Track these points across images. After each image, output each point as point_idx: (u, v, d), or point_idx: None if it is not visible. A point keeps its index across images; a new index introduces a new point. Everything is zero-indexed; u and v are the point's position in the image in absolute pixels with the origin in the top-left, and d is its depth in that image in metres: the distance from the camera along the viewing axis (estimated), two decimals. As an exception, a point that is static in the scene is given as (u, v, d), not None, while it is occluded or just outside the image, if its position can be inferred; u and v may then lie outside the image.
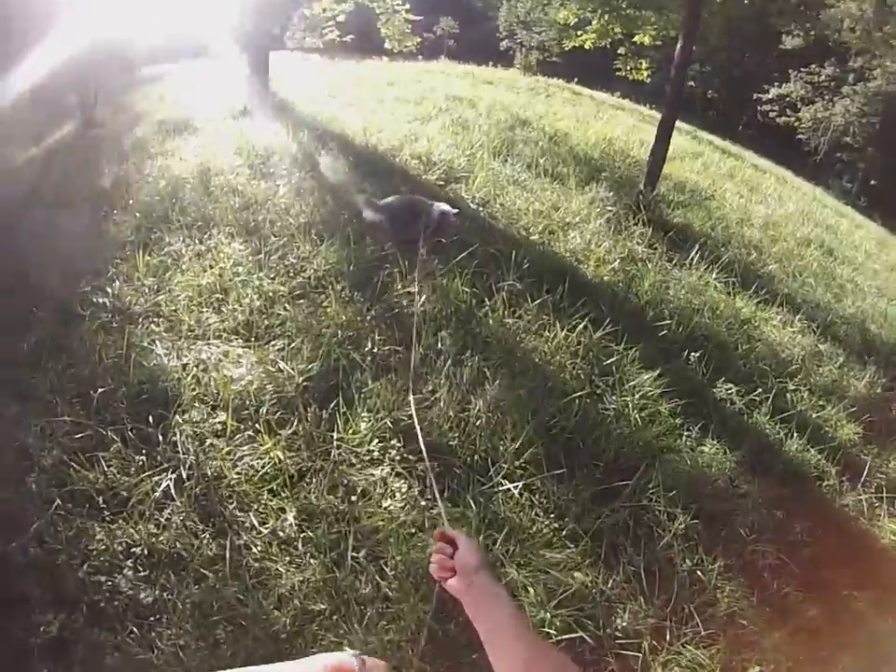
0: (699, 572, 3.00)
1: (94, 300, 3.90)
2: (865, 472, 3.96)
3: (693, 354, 4.39)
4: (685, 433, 3.77)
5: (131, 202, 5.21)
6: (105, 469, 2.80)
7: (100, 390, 3.14)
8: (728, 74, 32.73)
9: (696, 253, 5.86)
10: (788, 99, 29.59)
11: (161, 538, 2.59)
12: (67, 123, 8.01)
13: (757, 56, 32.21)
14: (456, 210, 4.74)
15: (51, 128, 7.89)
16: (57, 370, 3.31)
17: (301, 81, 10.55)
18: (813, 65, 29.26)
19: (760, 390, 4.29)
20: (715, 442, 3.75)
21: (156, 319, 3.85)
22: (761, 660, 2.73)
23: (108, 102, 8.73)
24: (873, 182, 27.16)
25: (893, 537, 3.66)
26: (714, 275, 5.70)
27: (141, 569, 2.50)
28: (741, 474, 3.63)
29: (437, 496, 2.84)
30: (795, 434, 4.08)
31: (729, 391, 4.23)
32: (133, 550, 2.54)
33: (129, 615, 2.36)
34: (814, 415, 4.40)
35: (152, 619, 2.37)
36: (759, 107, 30.72)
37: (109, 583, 2.43)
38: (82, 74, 7.78)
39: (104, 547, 2.53)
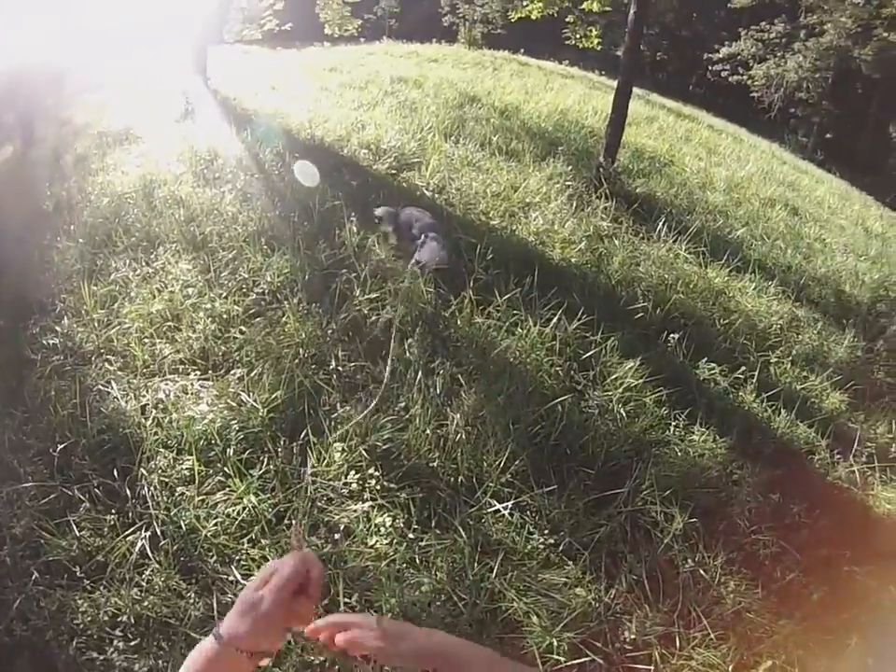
0: (702, 571, 2.88)
1: (44, 341, 3.67)
2: (855, 442, 3.87)
3: (672, 335, 4.22)
4: (672, 423, 3.62)
5: (72, 226, 4.93)
6: (77, 533, 2.63)
7: (59, 446, 2.95)
8: (677, 34, 32.72)
9: (663, 224, 5.75)
10: (739, 57, 29.67)
11: (146, 602, 2.44)
12: (6, 144, 7.70)
13: (705, 15, 32.23)
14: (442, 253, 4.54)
15: None
16: (14, 425, 3.12)
17: (242, 75, 10.17)
18: (763, 23, 29.34)
19: (743, 367, 4.17)
20: (704, 429, 3.60)
21: (109, 357, 3.60)
22: (772, 652, 2.63)
23: (48, 117, 8.41)
24: (828, 135, 27.46)
25: (888, 505, 3.59)
26: (683, 247, 5.56)
27: (131, 638, 2.36)
28: (733, 460, 3.50)
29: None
30: (783, 410, 3.96)
31: (712, 371, 4.10)
32: (119, 619, 2.40)
33: None
34: (799, 387, 4.30)
35: None
36: (710, 67, 30.77)
37: (102, 658, 2.29)
38: (17, 90, 7.50)
39: (90, 619, 2.38)
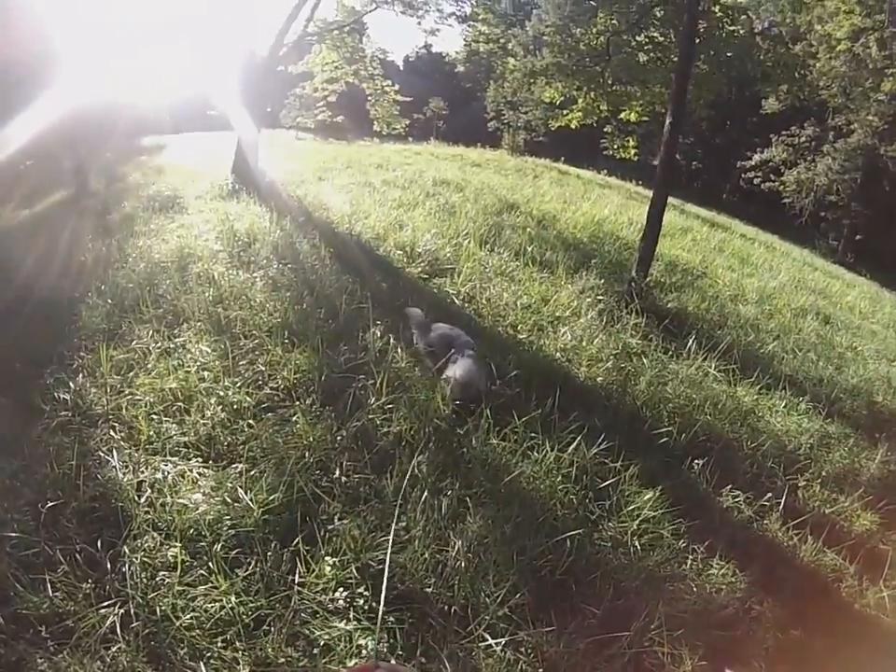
0: None
1: (56, 394, 3.77)
2: (886, 565, 3.65)
3: (696, 462, 4.10)
4: (690, 556, 3.45)
5: (103, 286, 5.10)
6: (51, 593, 2.62)
7: (50, 503, 2.99)
8: (710, 143, 33.35)
9: (693, 341, 5.68)
10: (770, 164, 30.15)
11: None
12: (60, 190, 8.01)
13: (738, 122, 32.90)
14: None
15: (44, 193, 7.89)
16: (10, 471, 3.19)
17: (291, 161, 10.61)
18: (793, 127, 29.88)
19: (769, 494, 4.00)
20: (723, 562, 3.42)
21: (115, 424, 3.67)
22: None
23: (104, 171, 8.84)
24: (858, 237, 27.38)
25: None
26: (713, 364, 5.47)
27: None
28: (752, 595, 3.30)
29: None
30: (809, 537, 3.76)
31: (736, 499, 3.94)
32: None
33: None
34: (828, 511, 4.10)
35: None
36: (742, 175, 31.23)
37: None
38: (81, 137, 7.89)
39: None
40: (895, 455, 4.88)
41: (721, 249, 10.67)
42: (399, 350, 4.67)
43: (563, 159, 17.90)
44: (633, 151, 17.06)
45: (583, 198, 11.88)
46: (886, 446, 4.91)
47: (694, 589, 3.26)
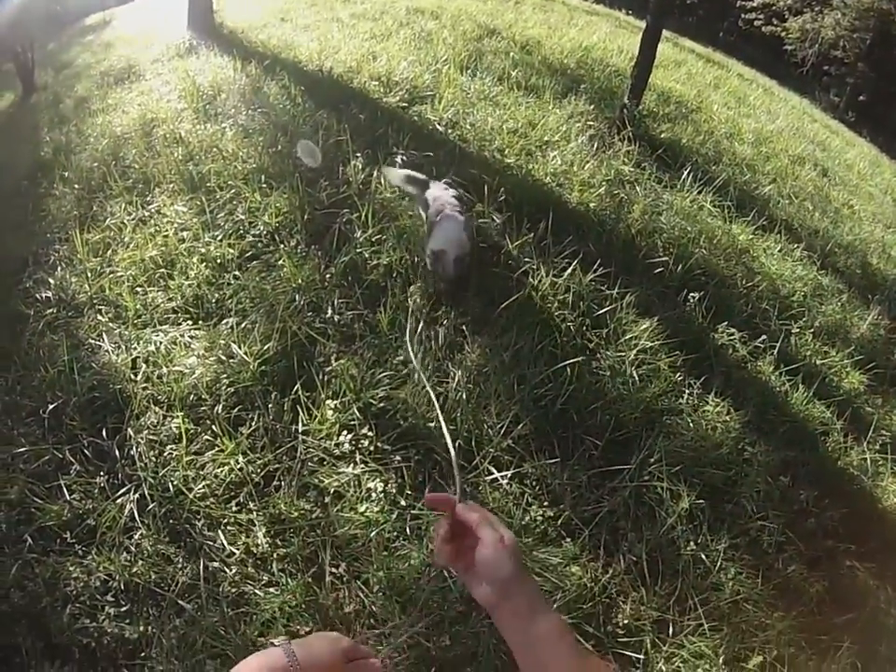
0: (703, 555, 2.71)
1: (38, 295, 3.69)
2: (871, 428, 3.64)
3: (692, 294, 3.94)
4: (687, 391, 3.38)
5: (67, 173, 4.84)
6: (69, 497, 2.64)
7: (50, 406, 2.94)
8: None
9: (688, 173, 5.37)
10: (774, 7, 28.48)
11: (135, 568, 2.43)
12: (6, 92, 7.79)
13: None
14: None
15: None
16: (7, 386, 3.15)
17: (249, 7, 9.66)
18: (801, -26, 28.06)
19: (764, 336, 3.90)
20: (719, 400, 3.37)
21: (101, 307, 3.56)
22: (763, 648, 2.49)
23: (49, 62, 8.42)
24: (862, 98, 26.57)
25: (896, 499, 3.41)
26: (708, 198, 5.22)
27: (122, 604, 2.37)
28: (746, 436, 3.28)
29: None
30: (801, 385, 3.71)
31: (732, 337, 3.83)
32: (110, 585, 2.41)
33: (119, 655, 2.26)
34: (819, 362, 4.05)
35: (142, 655, 2.25)
36: (742, 15, 29.59)
37: (94, 625, 2.30)
38: (15, 36, 7.50)
39: (82, 585, 2.40)
40: (885, 319, 4.81)
41: (717, 86, 10.12)
42: (383, 180, 4.37)
43: (547, -15, 16.58)
44: (624, -24, 15.84)
45: (569, 24, 10.98)
46: (878, 309, 4.84)
47: (691, 425, 3.22)
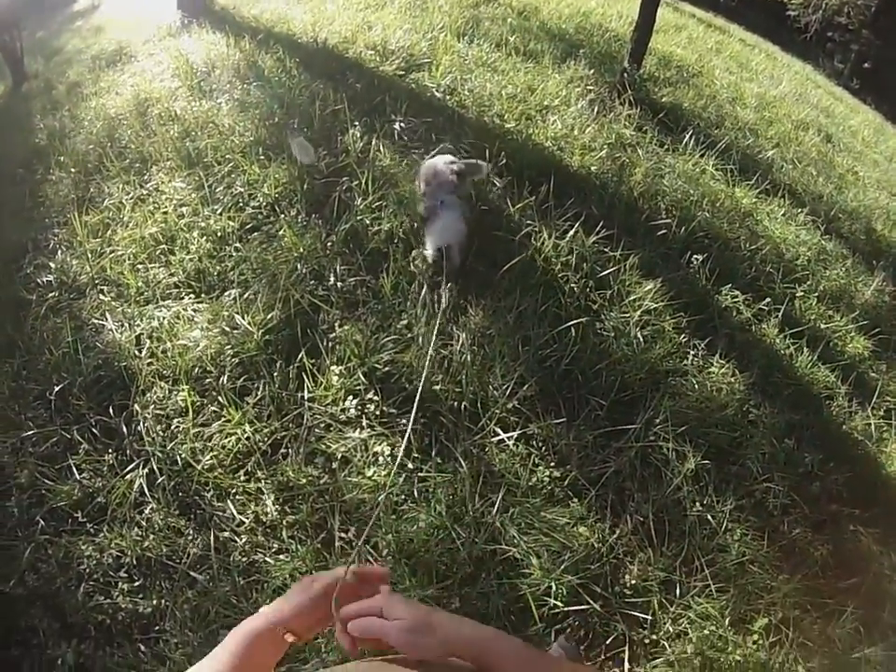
0: (709, 516, 2.71)
1: (39, 280, 3.68)
2: (875, 393, 3.62)
3: (695, 256, 3.91)
4: (691, 352, 3.37)
5: (63, 158, 4.80)
6: (78, 476, 2.68)
7: (56, 387, 2.98)
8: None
9: (690, 137, 5.30)
10: (777, -27, 28.02)
11: (147, 542, 2.48)
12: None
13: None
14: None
15: None
16: (13, 371, 3.17)
17: None
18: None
19: (768, 299, 3.87)
20: (723, 361, 3.36)
21: (103, 287, 3.56)
22: (769, 610, 2.50)
23: (39, 49, 8.32)
24: (866, 65, 26.23)
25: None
26: (710, 162, 5.14)
27: (135, 579, 2.43)
28: (750, 398, 3.27)
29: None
30: (805, 349, 3.69)
31: (735, 299, 3.80)
32: (123, 561, 2.46)
33: (134, 630, 2.32)
34: (823, 326, 4.02)
35: (157, 629, 2.31)
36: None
37: (108, 601, 2.36)
38: (2, 24, 7.30)
39: (95, 563, 2.45)
40: (890, 285, 4.77)
41: (719, 51, 9.96)
42: (382, 148, 4.33)
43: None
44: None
45: (567, -11, 10.86)
46: (882, 276, 4.78)
47: (696, 386, 3.20)
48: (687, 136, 5.31)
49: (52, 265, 3.75)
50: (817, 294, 4.26)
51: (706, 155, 5.18)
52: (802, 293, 4.17)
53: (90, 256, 3.73)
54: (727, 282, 3.89)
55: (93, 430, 2.81)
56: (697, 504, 2.74)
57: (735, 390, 3.25)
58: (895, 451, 3.39)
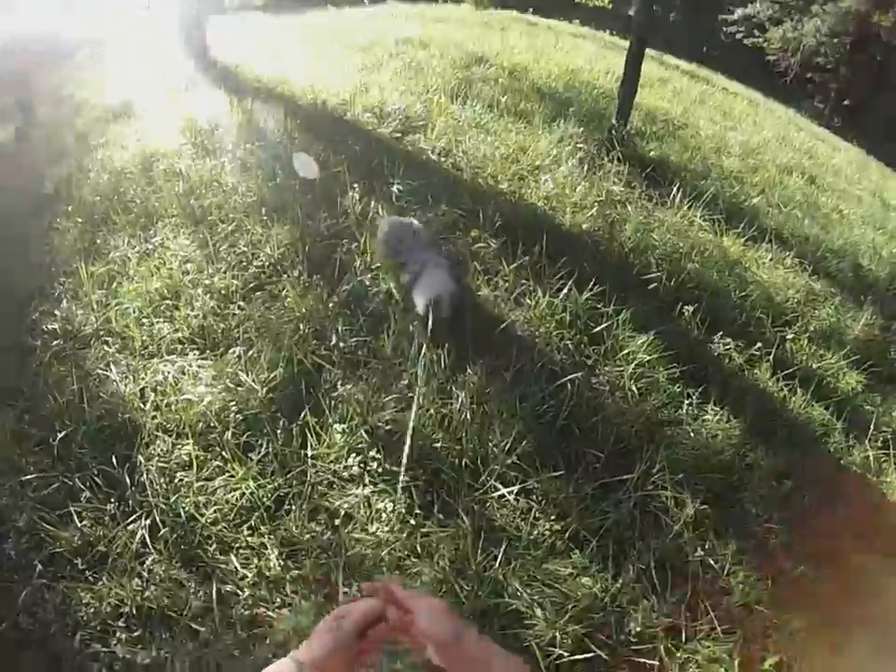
0: (711, 560, 2.76)
1: (44, 327, 3.72)
2: (871, 426, 3.70)
3: (686, 307, 4.04)
4: (686, 401, 3.46)
5: (71, 206, 4.92)
6: (79, 524, 2.66)
7: (60, 434, 2.96)
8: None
9: (677, 189, 5.49)
10: (755, 19, 28.84)
11: (147, 593, 2.46)
12: (8, 127, 7.66)
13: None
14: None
15: None
16: (16, 415, 3.18)
17: (243, 43, 9.86)
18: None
19: (759, 344, 3.97)
20: (717, 409, 3.45)
21: (108, 339, 3.61)
22: (778, 647, 2.52)
23: (48, 96, 8.35)
24: (846, 102, 26.76)
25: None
26: (698, 213, 5.32)
27: (134, 629, 2.39)
28: (746, 442, 3.35)
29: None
30: (799, 389, 3.79)
31: (727, 346, 3.92)
32: (122, 610, 2.43)
33: None
34: (815, 366, 4.12)
35: None
36: (724, 28, 29.96)
37: (106, 650, 2.32)
38: (14, 70, 7.61)
39: (93, 611, 2.42)
40: (879, 319, 4.87)
41: (703, 101, 10.27)
42: (380, 209, 4.51)
43: (531, 10, 16.79)
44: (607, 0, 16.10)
45: (556, 48, 11.19)
46: (870, 309, 4.89)
47: (691, 434, 3.29)
48: (674, 189, 5.50)
49: (58, 313, 3.80)
50: (807, 335, 4.36)
51: (693, 206, 5.36)
52: (792, 335, 4.29)
53: (95, 307, 3.81)
54: (718, 330, 4.01)
55: (95, 479, 2.80)
56: (698, 549, 2.78)
57: (730, 435, 3.33)
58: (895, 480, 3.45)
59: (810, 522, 3.04)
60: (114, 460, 2.86)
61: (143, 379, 3.29)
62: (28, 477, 2.83)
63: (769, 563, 2.82)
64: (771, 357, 3.92)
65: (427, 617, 0.95)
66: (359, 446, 2.94)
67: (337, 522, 2.68)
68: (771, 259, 5.22)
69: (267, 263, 4.03)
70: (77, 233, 4.57)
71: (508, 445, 2.93)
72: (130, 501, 2.73)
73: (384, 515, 2.70)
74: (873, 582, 2.87)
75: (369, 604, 0.99)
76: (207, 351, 3.46)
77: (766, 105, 14.13)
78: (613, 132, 6.28)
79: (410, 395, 3.10)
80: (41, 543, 2.61)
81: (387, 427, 2.98)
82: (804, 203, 6.89)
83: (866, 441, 3.61)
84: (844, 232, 6.52)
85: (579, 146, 6.06)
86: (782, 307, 4.60)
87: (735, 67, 19.17)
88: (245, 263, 4.05)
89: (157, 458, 2.90)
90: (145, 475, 2.81)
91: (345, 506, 2.74)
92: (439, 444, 2.93)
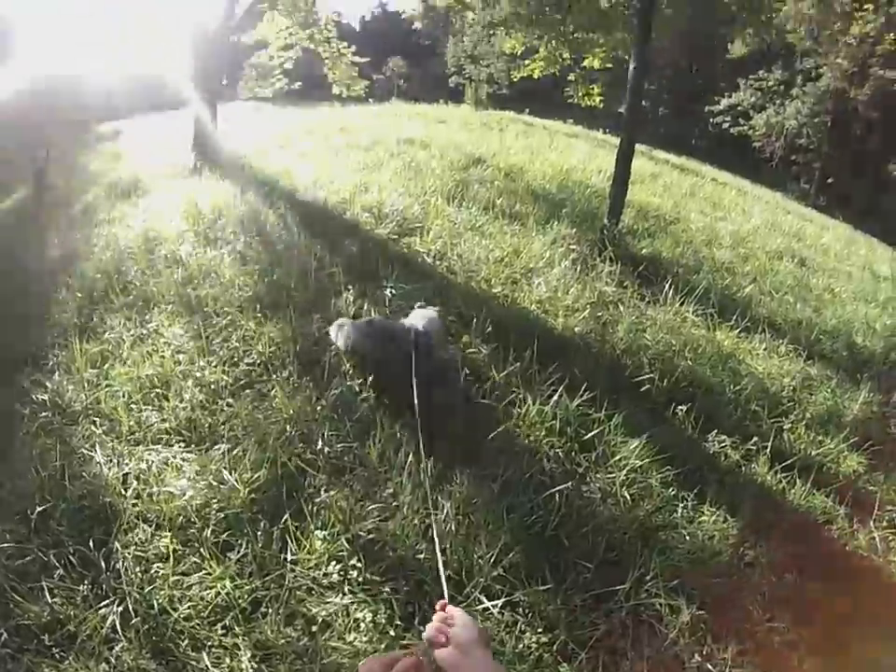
0: (709, 665, 2.66)
1: (34, 396, 3.78)
2: (876, 506, 3.66)
3: (679, 407, 4.06)
4: (680, 504, 3.41)
5: (69, 279, 5.09)
6: (50, 600, 2.61)
7: (39, 508, 2.96)
8: (677, 89, 33.17)
9: (669, 286, 5.60)
10: (739, 108, 30.05)
11: None
12: (21, 186, 8.10)
13: (705, 68, 32.70)
14: (434, 310, 4.22)
15: (4, 191, 8.07)
16: None
17: (252, 133, 10.37)
18: (761, 71, 29.76)
19: (755, 438, 3.97)
20: (714, 509, 3.40)
21: (96, 419, 3.62)
22: None
23: (62, 163, 8.76)
24: (830, 180, 27.44)
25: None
26: (690, 309, 5.41)
27: None
28: (745, 540, 3.28)
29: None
30: (798, 480, 3.75)
31: (723, 444, 3.91)
32: None
33: None
34: (814, 453, 4.08)
35: None
36: (711, 119, 31.12)
37: None
38: (32, 130, 8.03)
39: None
40: (877, 395, 4.86)
41: (693, 194, 10.61)
42: (373, 312, 4.59)
43: (527, 110, 17.59)
44: (598, 99, 16.70)
45: (550, 148, 11.70)
46: (867, 387, 4.89)
47: (687, 537, 3.23)
48: (666, 286, 5.60)
49: (49, 385, 3.84)
50: (804, 422, 4.35)
51: (685, 301, 5.45)
52: (789, 424, 4.28)
53: (86, 385, 3.84)
54: (713, 427, 4.00)
55: (70, 558, 2.76)
56: (696, 655, 2.69)
57: (727, 535, 3.27)
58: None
59: (818, 612, 2.95)
60: (91, 542, 2.84)
61: (127, 465, 3.29)
62: (4, 545, 2.82)
63: (774, 662, 2.74)
64: (768, 449, 3.90)
65: (462, 622, 1.15)
66: (340, 554, 2.88)
67: (314, 628, 2.61)
68: (765, 349, 5.26)
69: (258, 361, 4.08)
70: (75, 308, 4.68)
71: (494, 557, 2.87)
72: (103, 585, 2.69)
73: (362, 625, 2.63)
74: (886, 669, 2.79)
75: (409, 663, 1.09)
76: (193, 445, 3.46)
77: (754, 192, 14.54)
78: (605, 231, 6.47)
79: (394, 503, 3.10)
80: (9, 613, 2.56)
81: (370, 536, 2.94)
82: (795, 287, 7.02)
83: (871, 523, 3.55)
84: (836, 311, 6.60)
85: (571, 247, 6.24)
86: (778, 396, 4.61)
87: (722, 157, 19.83)
88: (236, 359, 4.10)
89: (134, 547, 2.86)
90: (120, 562, 2.78)
91: (323, 613, 2.67)
92: (422, 556, 2.88)
